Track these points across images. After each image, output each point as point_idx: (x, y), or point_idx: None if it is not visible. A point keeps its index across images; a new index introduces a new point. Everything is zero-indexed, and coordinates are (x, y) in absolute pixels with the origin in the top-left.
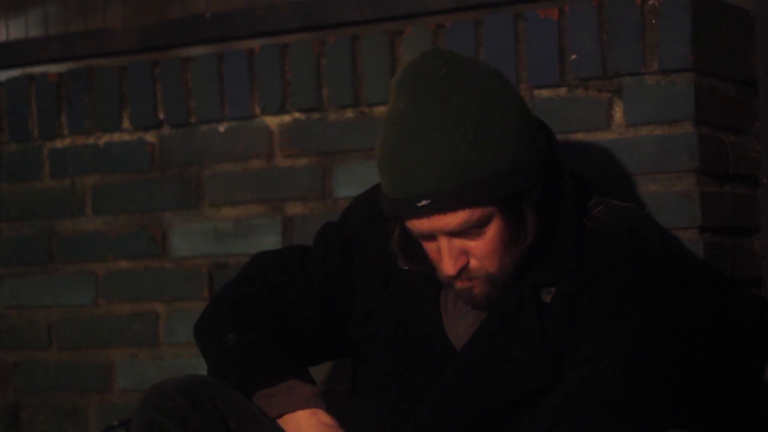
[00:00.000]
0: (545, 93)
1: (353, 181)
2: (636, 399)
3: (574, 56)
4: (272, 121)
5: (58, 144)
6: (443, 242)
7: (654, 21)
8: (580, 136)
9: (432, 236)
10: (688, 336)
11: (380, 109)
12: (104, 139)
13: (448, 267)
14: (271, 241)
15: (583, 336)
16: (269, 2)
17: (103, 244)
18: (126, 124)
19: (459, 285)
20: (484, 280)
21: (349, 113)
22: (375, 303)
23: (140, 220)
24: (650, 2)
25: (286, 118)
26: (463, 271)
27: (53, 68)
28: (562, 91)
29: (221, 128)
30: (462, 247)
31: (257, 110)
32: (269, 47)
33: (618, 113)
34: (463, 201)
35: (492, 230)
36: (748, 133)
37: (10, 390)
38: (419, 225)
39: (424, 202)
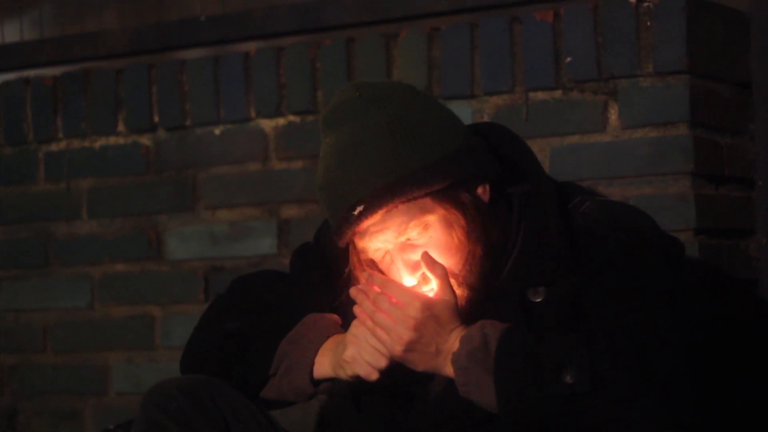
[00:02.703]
0: (540, 95)
1: None
2: (648, 388)
3: (569, 59)
4: (267, 124)
5: (54, 147)
6: (396, 258)
7: (649, 23)
8: (575, 139)
9: (381, 250)
10: (700, 320)
11: None
12: (99, 143)
13: (406, 277)
14: (266, 243)
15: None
16: (265, 5)
17: (98, 247)
18: (121, 127)
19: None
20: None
21: None
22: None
23: (136, 223)
24: (645, 4)
25: (282, 121)
26: (424, 281)
27: (48, 71)
28: (558, 93)
29: (217, 131)
30: (415, 256)
31: (252, 113)
32: (265, 50)
33: (613, 115)
34: (394, 195)
35: (437, 228)
36: (744, 135)
37: (7, 393)
38: (365, 245)
39: (359, 209)
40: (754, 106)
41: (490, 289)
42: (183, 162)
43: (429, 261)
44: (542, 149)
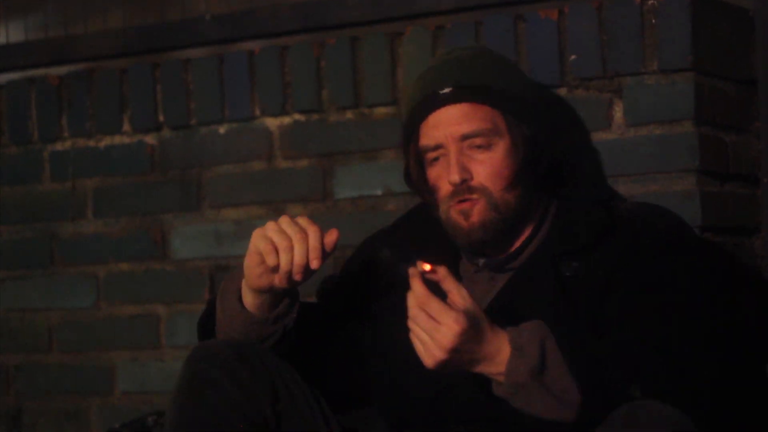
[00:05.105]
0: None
1: (354, 182)
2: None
3: (574, 56)
4: (272, 123)
5: (59, 147)
6: (453, 150)
7: (654, 21)
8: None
9: (441, 147)
10: (738, 327)
11: (380, 111)
12: (105, 142)
13: (454, 173)
14: None
15: (626, 308)
16: (269, 4)
17: (103, 246)
18: (126, 126)
19: (458, 207)
20: (483, 200)
21: (349, 115)
22: (383, 309)
23: (141, 223)
24: (650, 2)
25: (287, 120)
26: (465, 185)
27: (53, 71)
28: (563, 91)
29: (221, 130)
30: (468, 163)
31: (257, 112)
32: (269, 49)
33: (618, 113)
34: (481, 97)
35: (499, 150)
36: (749, 132)
37: (12, 393)
38: (434, 126)
39: (446, 90)
40: (759, 104)
41: (522, 259)
42: (188, 161)
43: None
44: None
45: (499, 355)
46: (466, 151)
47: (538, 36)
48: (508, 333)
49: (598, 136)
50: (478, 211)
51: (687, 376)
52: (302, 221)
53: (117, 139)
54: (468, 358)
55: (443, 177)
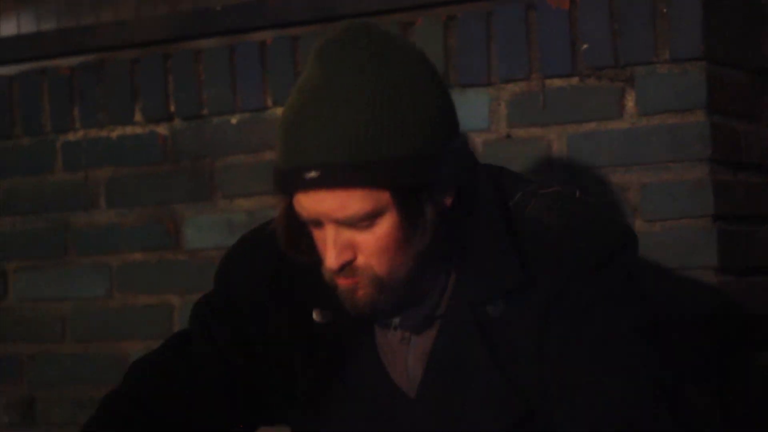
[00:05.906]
0: (557, 83)
1: None
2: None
3: (585, 46)
4: None
5: (71, 137)
6: (329, 231)
7: (665, 10)
8: (592, 126)
9: (319, 222)
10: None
11: None
12: (117, 132)
13: (330, 259)
14: None
15: (569, 362)
16: None
17: (116, 236)
18: (138, 116)
19: (342, 283)
20: (369, 281)
21: None
22: (299, 366)
23: (154, 213)
24: None
25: None
26: (347, 267)
27: (65, 62)
28: (574, 80)
29: (233, 120)
30: (349, 240)
31: (269, 102)
32: (281, 39)
33: (630, 102)
34: (356, 179)
35: (384, 226)
36: (761, 121)
37: (25, 383)
38: (306, 205)
39: (312, 174)
40: None
41: (439, 306)
42: (200, 151)
43: None
44: (559, 137)
45: None
46: (345, 230)
47: (549, 25)
48: None
49: (610, 126)
50: (363, 289)
51: None
52: None
53: (129, 130)
54: None
55: (324, 251)
